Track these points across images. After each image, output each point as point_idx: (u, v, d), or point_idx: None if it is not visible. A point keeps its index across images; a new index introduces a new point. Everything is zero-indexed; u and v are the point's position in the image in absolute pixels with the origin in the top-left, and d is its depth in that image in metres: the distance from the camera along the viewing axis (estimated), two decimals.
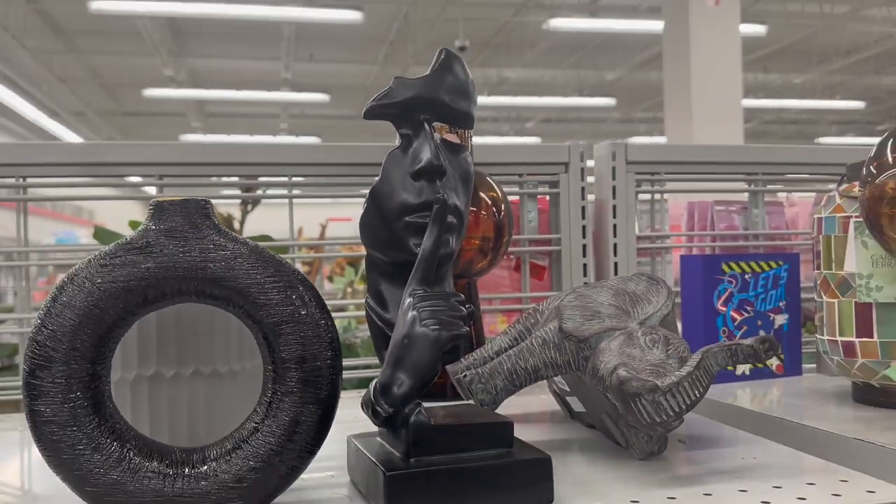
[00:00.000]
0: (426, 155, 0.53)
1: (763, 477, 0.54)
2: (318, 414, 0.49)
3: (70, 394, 0.46)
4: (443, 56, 0.55)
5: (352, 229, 1.30)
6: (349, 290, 2.25)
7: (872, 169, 0.66)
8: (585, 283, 0.72)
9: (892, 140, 0.63)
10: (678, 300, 0.97)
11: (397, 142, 0.56)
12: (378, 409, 0.49)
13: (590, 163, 1.04)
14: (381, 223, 0.56)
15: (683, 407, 0.51)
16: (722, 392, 0.84)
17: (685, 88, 5.80)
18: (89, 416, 0.46)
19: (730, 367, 0.66)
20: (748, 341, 0.53)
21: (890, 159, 0.63)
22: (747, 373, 0.92)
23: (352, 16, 6.61)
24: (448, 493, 0.47)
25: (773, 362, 0.94)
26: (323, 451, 0.50)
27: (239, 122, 11.51)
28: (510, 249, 1.00)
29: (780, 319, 0.94)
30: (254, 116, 11.10)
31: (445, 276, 0.57)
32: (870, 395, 0.75)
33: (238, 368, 0.60)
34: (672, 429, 0.53)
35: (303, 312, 0.49)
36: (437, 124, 0.55)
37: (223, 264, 0.48)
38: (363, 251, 0.59)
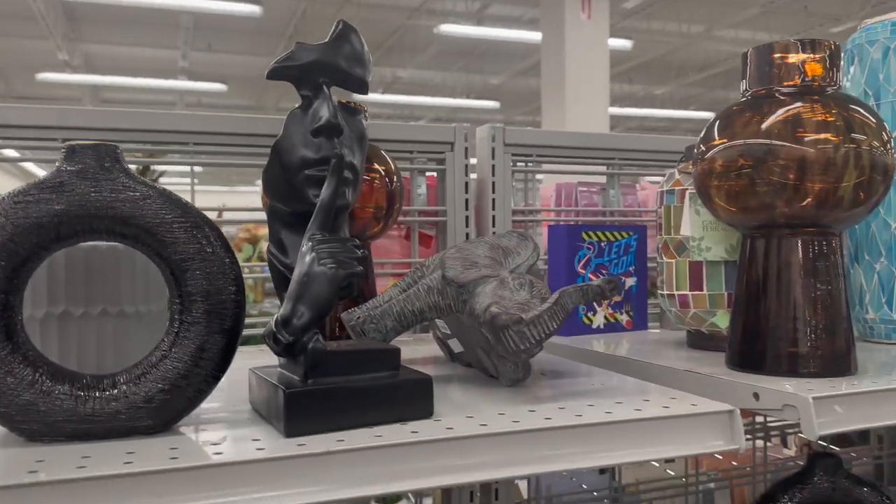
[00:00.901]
0: (325, 114, 0.56)
1: (608, 396, 0.60)
2: (222, 342, 0.51)
3: None
4: (340, 27, 0.58)
5: (248, 215, 1.30)
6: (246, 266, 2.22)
7: (703, 147, 0.74)
8: (466, 240, 0.77)
9: (718, 122, 0.71)
10: (545, 267, 1.04)
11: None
12: (280, 337, 0.51)
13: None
14: (283, 176, 0.58)
15: (543, 336, 0.57)
16: (579, 341, 0.91)
17: (560, 95, 6.02)
18: (2, 343, 0.46)
19: (582, 305, 0.72)
20: (596, 282, 0.59)
21: (716, 139, 0.71)
22: (602, 326, 1.00)
23: (250, 9, 6.43)
24: (341, 409, 0.50)
25: (624, 318, 1.02)
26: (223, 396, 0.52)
27: (134, 109, 10.93)
28: (401, 219, 1.04)
29: (630, 281, 1.02)
30: (150, 104, 10.58)
31: (341, 227, 0.60)
32: (700, 341, 0.84)
33: (144, 310, 0.61)
34: (533, 355, 0.59)
35: (208, 250, 0.51)
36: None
37: (132, 204, 0.49)
38: (260, 232, 0.61)
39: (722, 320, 0.80)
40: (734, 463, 1.46)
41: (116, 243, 0.59)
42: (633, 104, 10.26)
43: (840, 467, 0.85)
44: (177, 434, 0.49)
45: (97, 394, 0.48)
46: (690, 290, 0.81)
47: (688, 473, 1.23)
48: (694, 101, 10.44)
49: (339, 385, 0.51)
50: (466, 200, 1.07)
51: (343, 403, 0.50)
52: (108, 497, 0.41)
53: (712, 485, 1.28)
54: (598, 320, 1.00)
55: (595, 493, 1.24)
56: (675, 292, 0.83)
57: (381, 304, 0.67)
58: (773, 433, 1.34)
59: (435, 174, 1.09)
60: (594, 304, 1.01)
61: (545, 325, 0.57)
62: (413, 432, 0.49)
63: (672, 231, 0.83)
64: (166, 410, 0.49)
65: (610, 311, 1.01)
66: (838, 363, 0.66)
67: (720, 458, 1.50)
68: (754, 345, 0.68)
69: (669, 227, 0.83)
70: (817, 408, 0.58)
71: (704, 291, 0.81)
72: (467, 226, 1.07)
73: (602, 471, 1.27)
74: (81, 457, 0.44)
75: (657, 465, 1.50)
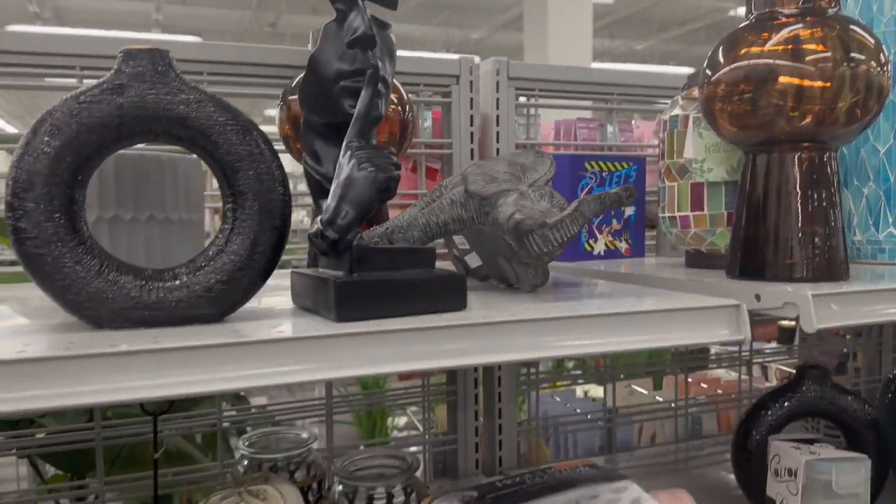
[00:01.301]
0: (360, 25, 0.59)
1: (621, 297, 0.65)
2: (273, 239, 0.54)
3: (52, 213, 0.49)
4: None
5: None
6: None
7: (708, 72, 0.78)
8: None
9: (722, 46, 0.74)
10: None
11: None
12: (327, 234, 0.55)
13: None
14: (318, 88, 0.61)
15: (564, 239, 0.61)
16: (583, 265, 0.96)
17: (542, 50, 6.00)
18: (70, 235, 0.49)
19: (599, 214, 0.76)
20: (613, 190, 0.63)
21: (721, 62, 0.75)
22: (602, 253, 1.05)
23: None
24: (385, 299, 0.54)
25: (623, 246, 1.07)
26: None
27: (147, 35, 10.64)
28: (408, 152, 1.07)
29: (629, 211, 1.07)
30: None
31: (373, 139, 0.63)
32: (699, 260, 0.89)
33: (185, 217, 0.64)
34: (554, 258, 0.63)
35: (258, 152, 0.54)
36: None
37: (187, 107, 0.52)
38: None
39: (721, 239, 0.85)
40: (719, 391, 1.54)
41: (160, 153, 0.62)
42: (614, 59, 10.23)
43: (827, 378, 0.92)
44: (235, 322, 0.53)
45: (160, 284, 0.51)
46: (692, 211, 0.86)
47: (677, 399, 1.30)
48: (674, 57, 10.44)
49: (383, 278, 0.54)
50: (472, 134, 1.10)
51: (386, 294, 0.54)
52: (186, 365, 0.45)
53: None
54: (599, 247, 1.05)
55: (589, 416, 1.30)
56: (677, 214, 0.87)
57: (405, 219, 0.71)
58: (755, 361, 1.41)
59: (440, 108, 1.12)
60: (595, 231, 1.05)
61: (567, 229, 0.61)
62: (451, 320, 0.53)
63: (675, 155, 0.87)
64: (224, 300, 0.53)
65: (610, 238, 1.06)
66: (833, 270, 0.71)
67: (705, 386, 1.58)
68: (754, 255, 0.73)
69: (672, 151, 0.88)
70: (816, 304, 0.63)
71: (705, 212, 0.85)
72: (472, 158, 1.10)
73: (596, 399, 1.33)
74: (153, 338, 0.48)
75: (646, 392, 1.58)
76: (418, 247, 0.60)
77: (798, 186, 0.71)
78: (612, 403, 1.27)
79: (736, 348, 1.40)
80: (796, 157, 0.71)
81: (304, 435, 0.86)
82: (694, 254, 0.90)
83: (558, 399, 1.44)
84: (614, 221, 1.06)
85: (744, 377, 1.34)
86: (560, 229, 0.61)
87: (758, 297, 0.67)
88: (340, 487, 0.77)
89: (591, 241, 1.04)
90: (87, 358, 0.43)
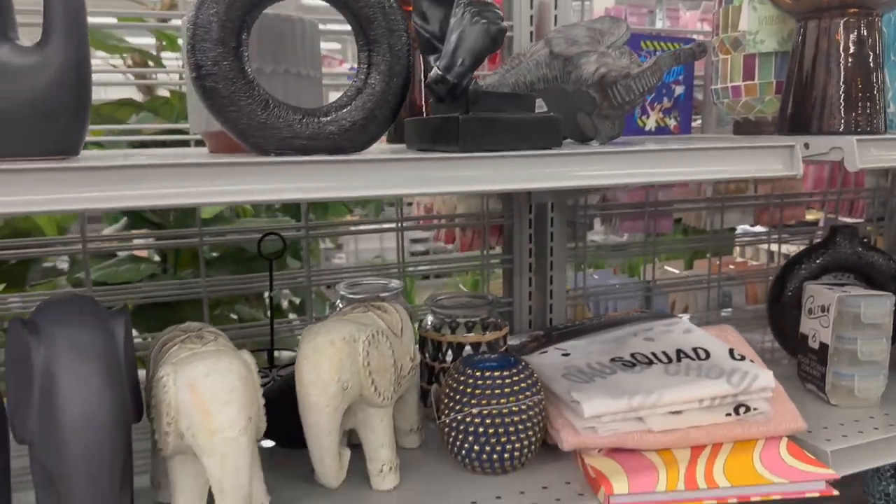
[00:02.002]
0: None
1: (684, 143, 0.75)
2: (401, 81, 0.64)
3: (226, 54, 0.58)
4: None
5: None
6: None
7: None
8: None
9: None
10: None
11: None
12: (447, 78, 0.64)
13: None
14: None
15: (645, 89, 0.70)
16: (635, 139, 1.05)
17: None
18: (240, 74, 0.59)
19: (674, 67, 0.83)
20: (687, 46, 0.72)
21: None
22: (653, 129, 1.14)
23: None
24: (497, 135, 0.64)
25: (672, 123, 1.16)
26: None
27: None
28: None
29: (679, 89, 1.15)
30: None
31: None
32: (747, 128, 0.98)
33: (312, 74, 0.73)
34: (634, 107, 0.72)
35: (388, 5, 0.63)
36: None
37: None
38: None
39: (769, 106, 0.94)
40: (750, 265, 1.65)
41: (292, 14, 0.71)
42: None
43: (857, 236, 1.02)
44: (373, 153, 0.63)
45: (314, 119, 0.61)
46: (743, 81, 0.94)
47: (710, 272, 1.41)
48: None
49: (495, 117, 0.64)
50: (531, 17, 1.17)
51: (498, 131, 0.64)
52: (349, 174, 0.55)
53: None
54: (650, 123, 1.14)
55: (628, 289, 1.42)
56: (729, 84, 0.96)
57: (494, 79, 0.79)
58: (786, 240, 1.51)
59: None
60: (647, 108, 1.14)
61: (647, 80, 0.70)
62: (551, 152, 0.63)
63: (729, 29, 0.95)
64: (365, 133, 0.63)
65: (661, 115, 1.14)
66: (874, 124, 0.80)
67: (732, 267, 1.69)
68: (802, 113, 0.82)
69: (727, 25, 0.95)
70: (859, 148, 0.72)
71: (756, 81, 0.94)
72: (531, 41, 1.18)
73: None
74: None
75: (677, 271, 1.69)
76: (521, 93, 0.69)
77: (845, 49, 0.79)
78: (653, 276, 1.38)
79: (764, 233, 1.50)
80: (844, 22, 0.79)
81: (393, 283, 0.98)
82: (742, 122, 0.99)
83: (597, 276, 1.55)
84: (665, 100, 1.15)
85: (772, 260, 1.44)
86: (641, 80, 0.70)
87: (806, 146, 0.77)
88: (432, 318, 0.89)
89: (643, 118, 1.13)
90: (260, 165, 0.54)
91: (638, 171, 0.65)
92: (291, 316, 1.70)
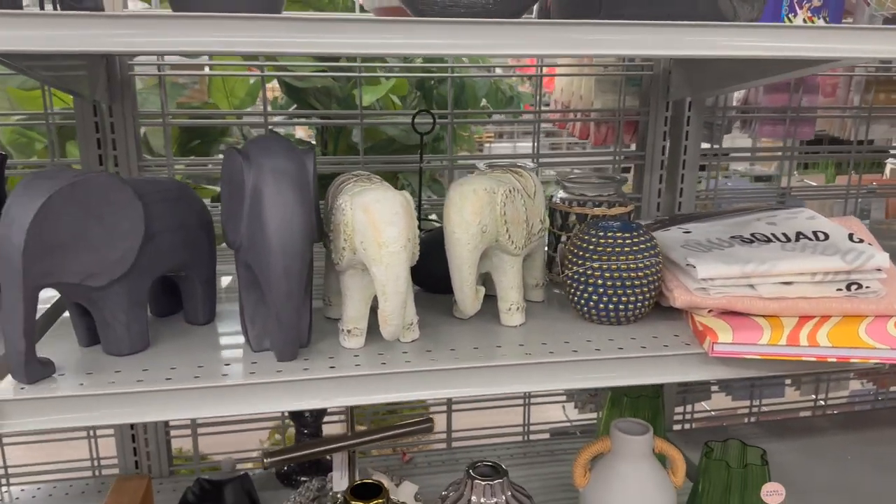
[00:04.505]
0: None
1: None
2: None
3: None
4: None
5: None
6: None
7: None
8: None
9: None
10: None
11: None
12: None
13: None
14: None
15: None
16: None
17: None
18: None
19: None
20: None
21: None
22: None
23: None
24: (639, 7, 0.70)
25: (820, 23, 1.14)
26: None
27: None
28: None
29: None
30: None
31: None
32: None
33: None
34: None
35: None
36: None
37: None
38: None
39: None
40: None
41: None
42: None
43: None
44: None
45: None
46: None
47: (849, 184, 1.39)
48: None
49: None
50: None
51: (641, 3, 0.70)
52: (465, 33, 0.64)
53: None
54: (798, 22, 1.13)
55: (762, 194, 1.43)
56: None
57: None
58: None
59: None
60: (796, 6, 1.13)
61: None
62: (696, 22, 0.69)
63: None
64: (519, 2, 0.71)
65: (809, 14, 1.14)
66: None
67: (876, 184, 1.65)
68: None
69: None
70: None
71: None
72: None
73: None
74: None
75: (815, 183, 1.67)
76: None
77: None
78: (788, 183, 1.38)
79: None
80: None
81: (529, 164, 1.07)
82: (892, 18, 0.97)
83: (729, 183, 1.57)
84: None
85: None
86: None
87: None
88: (561, 192, 0.98)
89: (790, 16, 1.13)
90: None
91: (794, 45, 0.69)
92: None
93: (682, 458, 0.93)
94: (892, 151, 1.53)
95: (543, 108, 1.38)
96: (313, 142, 1.64)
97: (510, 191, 0.79)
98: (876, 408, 1.59)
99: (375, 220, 0.68)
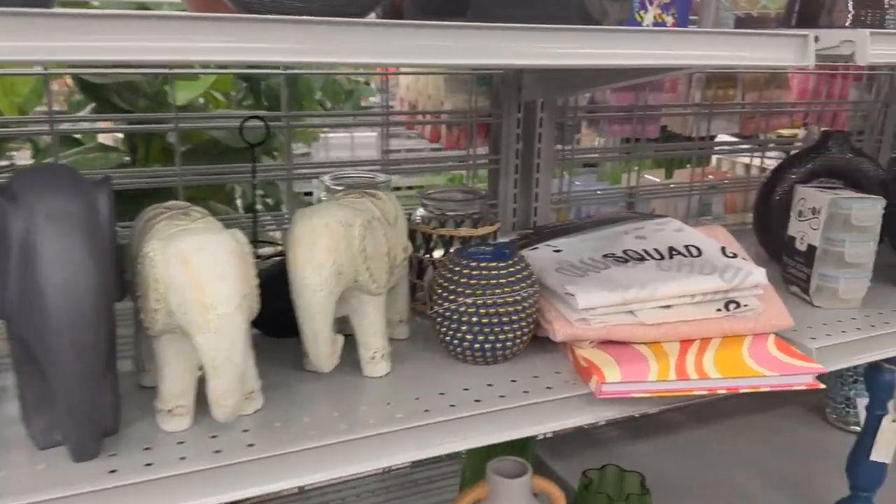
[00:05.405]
0: None
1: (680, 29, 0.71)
2: None
3: None
4: None
5: None
6: None
7: None
8: None
9: None
10: None
11: None
12: None
13: None
14: None
15: None
16: None
17: None
18: None
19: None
20: None
21: None
22: (651, 24, 1.09)
23: None
24: (508, 8, 0.60)
25: (669, 20, 1.11)
26: None
27: None
28: None
29: None
30: None
31: None
32: (749, 24, 0.95)
33: None
34: None
35: None
36: None
37: None
38: None
39: (773, 2, 0.90)
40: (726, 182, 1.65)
41: None
42: None
43: (848, 141, 1.01)
44: None
45: None
46: None
47: (692, 180, 1.40)
48: None
49: None
50: None
51: (510, 3, 0.60)
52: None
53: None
54: (648, 19, 1.09)
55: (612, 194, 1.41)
56: None
57: None
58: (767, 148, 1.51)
59: None
60: (646, 2, 1.09)
61: None
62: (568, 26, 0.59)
63: None
64: None
65: (659, 11, 1.10)
66: (883, 21, 0.78)
67: (712, 176, 1.69)
68: (810, 7, 0.79)
69: None
70: (872, 42, 0.70)
71: None
72: None
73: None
74: None
75: (657, 179, 1.69)
76: None
77: None
78: (637, 181, 1.37)
79: (741, 142, 1.49)
80: None
81: (381, 177, 0.94)
82: (744, 19, 0.95)
83: (579, 183, 1.54)
84: None
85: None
86: None
87: (816, 39, 0.74)
88: (422, 211, 0.87)
89: (640, 13, 1.09)
90: None
91: (650, 52, 0.62)
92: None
93: (563, 495, 0.86)
94: (741, 147, 1.57)
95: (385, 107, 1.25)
96: (120, 147, 1.40)
97: (369, 221, 0.66)
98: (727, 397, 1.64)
99: (198, 276, 0.53)
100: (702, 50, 0.63)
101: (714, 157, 2.06)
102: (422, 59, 0.53)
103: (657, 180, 1.68)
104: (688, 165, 1.39)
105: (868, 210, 0.86)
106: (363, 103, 2.04)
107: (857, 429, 1.27)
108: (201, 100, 1.37)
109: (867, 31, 0.70)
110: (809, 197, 0.90)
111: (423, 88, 1.25)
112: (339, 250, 0.62)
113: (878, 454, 1.01)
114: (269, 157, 1.87)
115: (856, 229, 0.86)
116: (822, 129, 1.40)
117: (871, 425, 1.02)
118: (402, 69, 1.29)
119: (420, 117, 1.27)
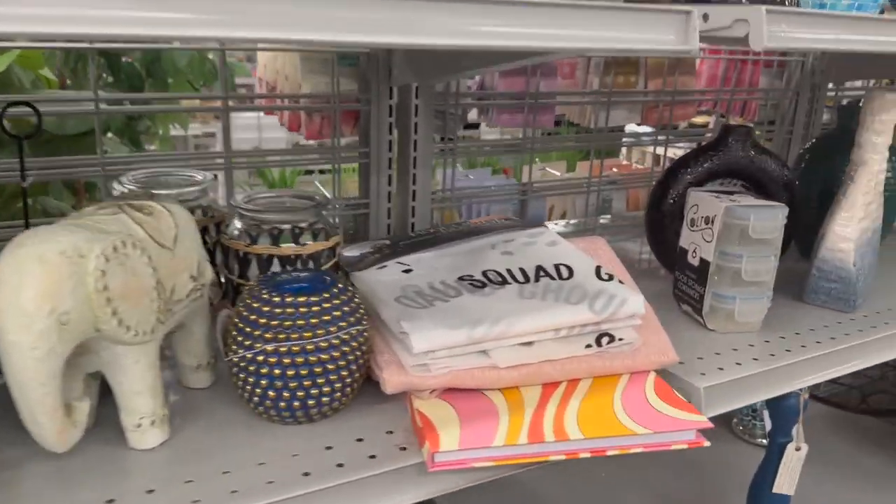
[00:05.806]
0: None
1: None
2: None
3: None
4: None
5: None
6: None
7: None
8: None
9: None
10: None
11: None
12: None
13: None
14: None
15: None
16: None
17: None
18: None
19: None
20: None
21: None
22: None
23: None
24: None
25: None
26: None
27: None
28: None
29: None
30: None
31: None
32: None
33: None
34: None
35: None
36: None
37: None
38: None
39: None
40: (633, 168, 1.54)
41: None
42: None
43: (750, 137, 0.89)
44: None
45: None
46: None
47: (591, 175, 1.27)
48: None
49: None
50: None
51: None
52: None
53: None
54: None
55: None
56: None
57: None
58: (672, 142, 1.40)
59: None
60: None
61: None
62: None
63: None
64: None
65: None
66: None
67: (616, 170, 1.58)
68: None
69: None
70: (768, 21, 0.57)
71: None
72: None
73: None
74: None
75: (558, 174, 1.56)
76: None
77: None
78: (529, 177, 1.23)
79: (648, 134, 1.37)
80: None
81: (199, 176, 0.77)
82: None
83: (472, 177, 1.39)
84: None
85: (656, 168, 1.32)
86: None
87: (705, 17, 0.61)
88: (240, 224, 0.70)
89: None
90: None
91: (481, 31, 0.46)
92: None
93: None
94: (643, 139, 1.45)
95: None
96: None
97: (116, 247, 0.49)
98: None
99: None
100: (548, 28, 0.48)
101: (623, 149, 1.95)
102: (238, 31, 0.37)
103: (558, 174, 1.55)
104: (590, 158, 1.26)
105: (768, 221, 0.74)
106: (240, 82, 1.83)
107: (764, 442, 1.19)
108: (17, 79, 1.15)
109: (763, 7, 0.57)
110: (703, 203, 0.78)
111: (280, 68, 1.07)
112: (61, 293, 0.45)
113: (781, 486, 0.91)
114: (134, 145, 1.66)
115: (754, 242, 0.74)
116: (722, 121, 1.29)
117: (774, 454, 0.92)
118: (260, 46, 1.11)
119: (276, 102, 1.09)
